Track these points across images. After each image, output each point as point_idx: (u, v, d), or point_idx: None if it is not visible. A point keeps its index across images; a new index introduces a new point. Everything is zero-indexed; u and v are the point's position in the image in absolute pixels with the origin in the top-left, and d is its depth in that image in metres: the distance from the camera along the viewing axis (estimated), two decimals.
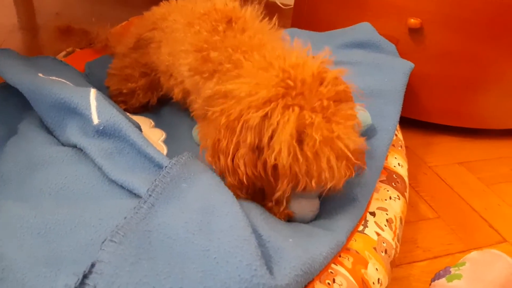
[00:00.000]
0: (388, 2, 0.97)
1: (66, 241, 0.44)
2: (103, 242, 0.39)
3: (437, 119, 1.05)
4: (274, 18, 0.71)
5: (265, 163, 0.48)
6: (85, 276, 0.36)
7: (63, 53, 0.98)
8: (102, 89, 0.86)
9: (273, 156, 0.46)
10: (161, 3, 0.82)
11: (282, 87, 0.47)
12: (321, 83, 0.48)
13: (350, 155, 0.47)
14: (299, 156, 0.45)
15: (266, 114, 0.46)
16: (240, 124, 0.48)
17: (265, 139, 0.47)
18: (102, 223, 0.45)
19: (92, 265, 0.37)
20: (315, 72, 0.49)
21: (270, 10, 1.84)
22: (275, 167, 0.48)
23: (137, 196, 0.51)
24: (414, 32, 0.96)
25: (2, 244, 0.45)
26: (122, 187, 0.52)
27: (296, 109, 0.46)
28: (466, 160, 0.99)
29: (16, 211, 0.50)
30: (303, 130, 0.46)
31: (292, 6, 1.33)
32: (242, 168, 0.48)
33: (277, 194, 0.49)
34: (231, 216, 0.44)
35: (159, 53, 0.73)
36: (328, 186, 0.48)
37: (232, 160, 0.50)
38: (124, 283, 0.36)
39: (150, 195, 0.47)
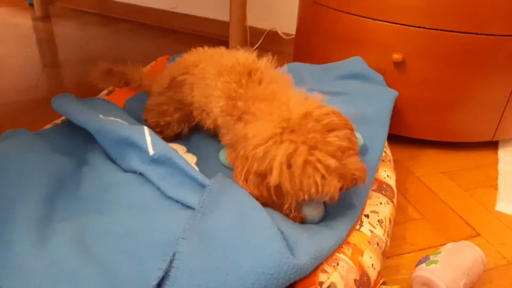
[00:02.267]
0: (375, 39, 1.16)
1: (143, 241, 0.61)
2: (177, 239, 0.57)
3: (422, 135, 1.23)
4: (285, 67, 0.89)
5: (267, 185, 0.66)
6: (170, 261, 0.54)
7: (105, 91, 1.16)
8: (140, 121, 1.05)
9: (271, 178, 0.64)
10: (190, 50, 1.01)
11: (279, 127, 0.65)
12: (309, 121, 0.65)
13: (336, 172, 0.63)
14: (287, 176, 0.63)
15: (267, 149, 0.64)
16: (251, 156, 0.67)
17: (267, 167, 0.65)
18: (169, 228, 0.62)
19: (174, 254, 0.55)
20: (305, 113, 0.66)
21: (273, 38, 2.05)
22: (277, 187, 0.65)
23: (189, 207, 0.69)
24: (398, 64, 1.14)
25: (93, 247, 0.62)
26: (177, 201, 0.70)
27: (287, 143, 0.63)
28: (448, 169, 1.16)
29: (98, 221, 0.67)
30: (291, 157, 0.63)
31: (294, 36, 1.52)
32: (251, 188, 0.67)
33: (286, 206, 0.68)
34: (260, 218, 0.62)
35: (192, 94, 0.91)
36: (324, 197, 0.65)
37: (246, 181, 0.69)
38: (196, 265, 0.54)
39: (201, 207, 0.65)
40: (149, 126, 1.03)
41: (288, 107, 0.68)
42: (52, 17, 2.36)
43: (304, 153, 0.62)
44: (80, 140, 0.91)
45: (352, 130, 0.71)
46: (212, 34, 2.13)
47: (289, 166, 0.63)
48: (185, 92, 0.95)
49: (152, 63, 1.32)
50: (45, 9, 2.33)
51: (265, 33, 1.98)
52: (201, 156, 0.99)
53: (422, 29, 1.09)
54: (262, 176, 0.67)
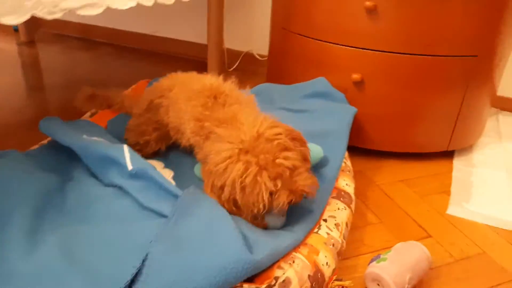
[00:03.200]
0: (337, 62, 1.27)
1: (122, 246, 0.70)
2: (150, 242, 0.66)
3: (383, 147, 1.34)
4: (247, 88, 0.99)
5: (225, 197, 0.76)
6: (143, 261, 0.63)
7: (89, 113, 1.25)
8: (122, 141, 1.13)
9: (224, 193, 0.75)
10: (167, 75, 1.11)
11: (237, 148, 0.75)
12: (261, 142, 0.74)
13: (286, 188, 0.73)
14: (239, 193, 0.74)
15: (225, 167, 0.75)
16: (212, 171, 0.77)
17: (223, 183, 0.75)
18: (145, 233, 0.71)
19: (146, 254, 0.64)
20: (258, 134, 0.75)
21: (249, 59, 2.18)
22: (234, 200, 0.76)
23: (163, 216, 0.77)
24: (358, 83, 1.26)
25: (77, 253, 0.69)
26: (152, 211, 0.79)
27: (241, 163, 0.73)
28: (406, 178, 1.27)
29: (83, 231, 0.75)
30: (243, 177, 0.73)
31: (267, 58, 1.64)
32: (214, 198, 0.77)
33: (243, 216, 0.77)
34: (225, 224, 0.71)
35: (168, 115, 1.01)
36: (275, 210, 0.75)
37: (212, 192, 0.79)
38: (165, 263, 0.62)
39: (173, 214, 0.74)
40: (130, 145, 1.12)
41: (244, 129, 0.78)
42: (37, 42, 2.43)
43: (253, 173, 0.72)
44: (65, 159, 0.99)
45: (304, 144, 0.81)
46: (192, 56, 2.24)
47: (241, 184, 0.73)
48: (162, 113, 1.04)
49: (133, 86, 1.42)
50: (30, 34, 2.40)
51: (242, 55, 2.10)
52: (178, 171, 1.08)
53: (378, 52, 1.21)
54: (222, 189, 0.77)
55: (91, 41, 2.50)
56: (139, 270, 0.63)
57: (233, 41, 2.10)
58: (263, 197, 0.72)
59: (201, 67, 1.98)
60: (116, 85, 1.45)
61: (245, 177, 0.73)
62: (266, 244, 0.70)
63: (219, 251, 0.64)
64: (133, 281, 0.62)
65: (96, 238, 0.73)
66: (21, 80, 1.90)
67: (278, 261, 0.72)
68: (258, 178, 0.72)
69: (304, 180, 0.76)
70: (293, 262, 0.74)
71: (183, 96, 0.97)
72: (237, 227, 0.70)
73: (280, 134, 0.76)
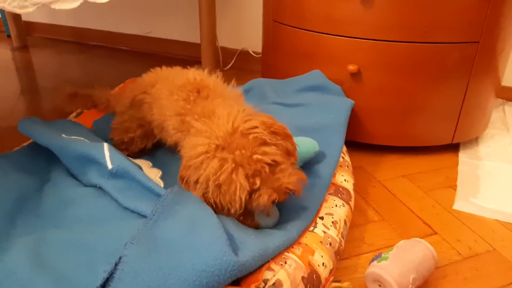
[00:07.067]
0: (332, 53, 1.21)
1: (97, 250, 0.64)
2: (125, 244, 0.60)
3: (383, 141, 1.28)
4: (233, 81, 0.94)
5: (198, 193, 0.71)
6: (116, 265, 0.57)
7: (74, 114, 1.20)
8: (107, 141, 1.08)
9: (200, 189, 0.70)
10: (149, 71, 1.06)
11: (213, 144, 0.69)
12: (236, 137, 0.68)
13: (268, 186, 0.67)
14: (213, 192, 0.68)
15: (201, 162, 0.69)
16: (188, 166, 0.71)
17: (198, 178, 0.70)
18: (122, 236, 0.65)
19: (120, 258, 0.57)
20: (232, 129, 0.69)
21: (245, 57, 2.12)
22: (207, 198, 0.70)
23: (143, 217, 0.72)
24: (354, 75, 1.20)
25: (49, 258, 0.63)
26: (132, 212, 0.73)
27: (216, 160, 0.67)
28: (408, 173, 1.20)
29: (57, 234, 0.69)
30: (217, 175, 0.67)
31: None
32: (193, 192, 0.72)
33: (219, 212, 0.71)
34: (209, 224, 0.65)
35: (151, 112, 0.95)
36: (257, 210, 0.70)
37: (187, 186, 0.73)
38: (140, 267, 0.56)
39: (154, 215, 0.68)
40: (115, 144, 1.07)
41: (219, 124, 0.71)
42: (30, 47, 2.40)
43: (228, 171, 0.66)
44: (44, 159, 0.94)
45: (287, 138, 0.74)
46: (186, 56, 2.19)
47: (215, 182, 0.67)
48: (145, 110, 0.99)
49: (120, 85, 1.37)
50: (22, 39, 2.37)
51: (237, 53, 2.05)
52: (166, 170, 1.02)
53: (374, 41, 1.15)
54: (196, 184, 0.71)
55: (83, 45, 2.46)
56: (111, 275, 0.57)
57: (227, 39, 2.05)
58: (239, 196, 0.66)
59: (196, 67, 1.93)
60: (108, 86, 1.41)
61: (220, 174, 0.66)
62: (254, 244, 0.64)
63: (200, 253, 0.58)
64: (104, 286, 0.56)
65: (69, 242, 0.67)
66: (14, 84, 1.87)
67: (268, 262, 0.66)
68: (234, 176, 0.66)
69: (288, 177, 0.69)
70: (285, 263, 0.68)
71: (166, 91, 0.92)
72: (222, 227, 0.64)
73: (256, 127, 0.70)
